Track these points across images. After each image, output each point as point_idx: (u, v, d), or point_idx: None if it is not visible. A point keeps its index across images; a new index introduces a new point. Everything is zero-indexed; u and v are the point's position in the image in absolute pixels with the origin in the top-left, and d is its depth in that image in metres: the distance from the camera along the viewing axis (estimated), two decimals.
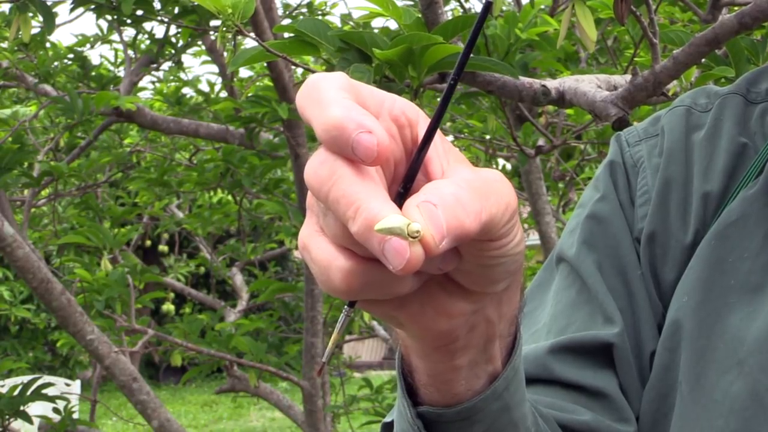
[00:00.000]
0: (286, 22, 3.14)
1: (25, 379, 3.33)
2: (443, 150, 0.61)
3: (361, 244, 0.56)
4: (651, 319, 0.90)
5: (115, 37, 4.31)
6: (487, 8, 0.59)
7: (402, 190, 0.59)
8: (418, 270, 0.57)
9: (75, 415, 3.57)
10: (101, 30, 4.31)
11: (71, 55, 3.93)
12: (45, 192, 4.28)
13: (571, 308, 0.92)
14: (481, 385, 0.71)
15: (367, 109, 0.57)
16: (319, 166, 0.57)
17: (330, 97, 0.57)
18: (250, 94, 3.94)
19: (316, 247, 0.59)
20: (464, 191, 0.57)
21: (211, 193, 5.34)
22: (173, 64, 4.45)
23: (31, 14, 2.77)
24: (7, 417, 3.13)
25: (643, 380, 0.89)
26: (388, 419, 0.81)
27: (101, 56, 12.80)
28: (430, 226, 0.55)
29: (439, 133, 0.60)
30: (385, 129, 0.57)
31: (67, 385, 6.94)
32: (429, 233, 0.55)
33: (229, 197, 5.06)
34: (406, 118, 0.60)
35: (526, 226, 4.76)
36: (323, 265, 0.58)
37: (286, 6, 4.41)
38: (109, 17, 3.37)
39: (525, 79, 1.56)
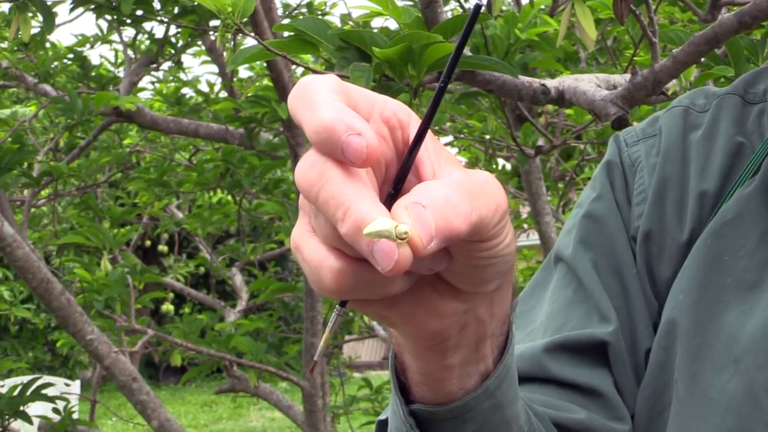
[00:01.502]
0: (286, 22, 3.14)
1: (25, 379, 3.33)
2: (434, 151, 0.61)
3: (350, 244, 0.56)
4: (646, 317, 0.90)
5: (114, 37, 4.31)
6: (477, 11, 0.59)
7: (392, 191, 0.59)
8: (409, 270, 0.57)
9: (75, 415, 3.56)
10: (101, 30, 4.31)
11: (71, 55, 3.93)
12: (45, 192, 4.28)
13: (568, 307, 0.93)
14: (473, 384, 0.72)
15: (358, 111, 0.58)
16: (308, 168, 0.57)
17: (321, 100, 0.57)
18: (249, 94, 3.94)
19: (307, 247, 0.59)
20: (454, 192, 0.57)
21: (211, 194, 5.34)
22: (173, 64, 4.45)
23: (30, 14, 2.77)
24: (6, 417, 3.13)
25: (638, 378, 0.89)
26: (382, 417, 0.82)
27: (101, 56, 12.81)
28: (417, 227, 0.55)
29: (430, 134, 0.60)
30: (375, 131, 0.58)
31: (67, 385, 6.93)
32: (417, 234, 0.55)
33: (229, 197, 5.06)
34: (398, 120, 0.60)
35: (525, 226, 4.76)
36: (314, 265, 0.58)
37: (285, 6, 4.41)
38: (108, 17, 3.37)
39: (524, 78, 1.56)
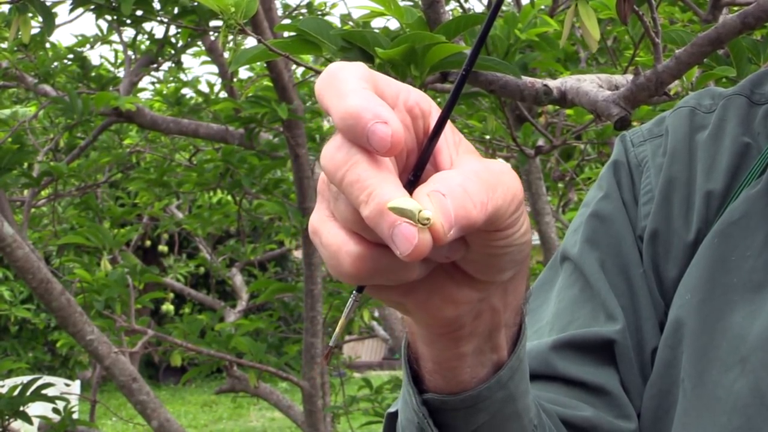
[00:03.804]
0: (286, 22, 3.14)
1: (25, 379, 3.32)
2: (453, 141, 0.62)
3: (371, 229, 0.57)
4: (653, 316, 0.91)
5: (114, 37, 4.31)
6: (501, 1, 0.59)
7: (412, 177, 0.60)
8: (426, 258, 0.57)
9: (75, 416, 3.56)
10: (101, 30, 4.31)
11: (71, 56, 3.93)
12: (45, 192, 4.28)
13: (574, 306, 0.93)
14: (486, 374, 0.72)
15: (384, 99, 0.58)
16: (335, 151, 0.58)
17: (349, 87, 0.58)
18: (249, 95, 3.94)
19: (326, 231, 0.59)
20: (472, 182, 0.58)
21: (211, 194, 5.34)
22: (173, 65, 4.45)
23: (30, 15, 2.77)
24: (6, 417, 3.13)
25: (644, 377, 0.90)
26: (392, 409, 0.82)
27: (101, 56, 12.80)
28: (439, 215, 0.56)
29: (449, 124, 0.61)
30: (401, 120, 0.58)
31: (67, 385, 6.92)
32: (439, 221, 0.56)
33: (229, 197, 5.06)
34: (420, 109, 0.61)
35: None
36: (333, 249, 0.59)
37: (285, 6, 4.41)
38: (108, 17, 3.37)
39: (527, 79, 1.56)
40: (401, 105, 0.60)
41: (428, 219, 0.56)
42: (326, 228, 0.59)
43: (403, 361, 0.74)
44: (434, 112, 0.62)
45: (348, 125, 0.57)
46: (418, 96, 0.61)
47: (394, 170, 0.59)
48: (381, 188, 0.56)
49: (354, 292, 0.63)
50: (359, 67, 0.59)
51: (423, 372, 0.73)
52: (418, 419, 0.73)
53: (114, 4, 2.89)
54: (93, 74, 3.92)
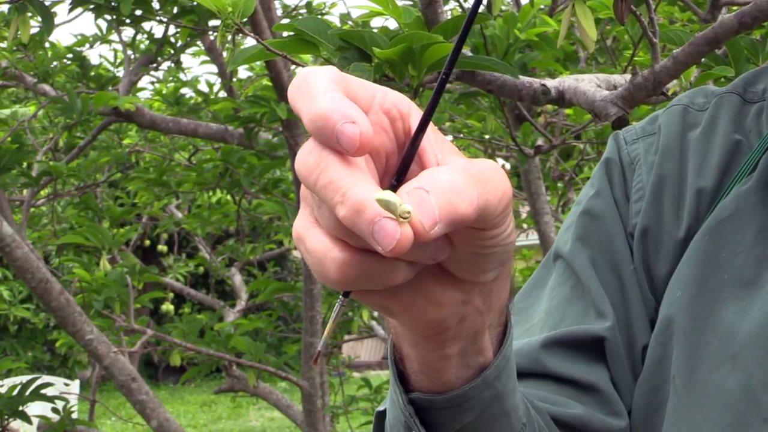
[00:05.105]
0: (285, 21, 3.13)
1: (24, 378, 3.32)
2: (436, 141, 0.62)
3: (355, 234, 0.56)
4: (643, 313, 0.91)
5: (114, 37, 4.31)
6: (479, 1, 0.59)
7: (395, 182, 0.59)
8: (412, 261, 0.57)
9: (74, 415, 3.56)
10: (100, 30, 4.32)
11: (70, 55, 3.93)
12: (44, 192, 4.28)
13: (565, 303, 0.93)
14: (471, 375, 0.72)
15: (357, 102, 0.58)
16: (307, 155, 0.58)
17: (319, 90, 0.58)
18: (249, 94, 3.93)
19: (310, 238, 0.59)
20: (460, 177, 0.57)
21: (210, 193, 5.33)
22: (172, 64, 4.45)
23: (29, 14, 2.77)
24: (6, 417, 3.13)
25: (635, 374, 0.90)
26: (381, 408, 0.82)
27: (100, 56, 12.82)
28: (418, 212, 0.56)
29: (431, 125, 0.61)
30: (375, 122, 0.58)
31: (66, 384, 6.93)
32: (417, 219, 0.56)
33: (228, 197, 5.06)
34: (398, 111, 0.61)
35: (525, 225, 4.76)
36: (318, 256, 0.58)
37: (285, 6, 4.41)
38: (108, 17, 3.37)
39: (525, 79, 1.56)
40: (377, 107, 0.60)
41: (408, 213, 0.55)
42: (310, 235, 0.59)
43: (390, 361, 0.74)
44: (414, 113, 0.61)
45: (317, 127, 0.57)
46: (396, 97, 0.61)
47: (372, 172, 0.59)
48: (355, 188, 0.56)
49: (340, 297, 0.62)
50: (330, 71, 0.59)
51: (409, 372, 0.73)
52: (404, 418, 0.74)
53: (113, 4, 2.89)
54: (92, 74, 3.93)
